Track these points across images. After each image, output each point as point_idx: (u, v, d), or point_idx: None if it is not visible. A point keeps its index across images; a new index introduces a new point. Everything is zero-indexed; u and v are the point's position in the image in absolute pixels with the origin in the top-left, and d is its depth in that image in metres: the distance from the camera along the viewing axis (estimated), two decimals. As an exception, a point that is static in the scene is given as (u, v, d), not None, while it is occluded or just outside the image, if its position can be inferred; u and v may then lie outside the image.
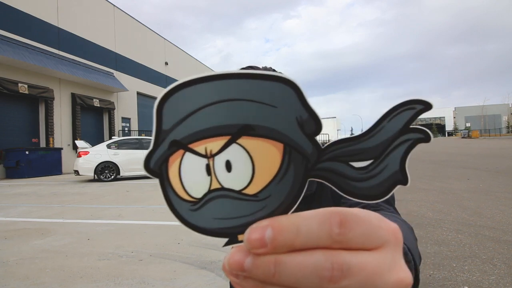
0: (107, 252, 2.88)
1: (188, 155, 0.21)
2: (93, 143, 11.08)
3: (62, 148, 12.71)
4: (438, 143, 31.11)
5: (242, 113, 0.20)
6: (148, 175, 0.22)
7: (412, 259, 0.32)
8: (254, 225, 0.20)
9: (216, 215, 0.21)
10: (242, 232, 0.21)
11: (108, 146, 9.87)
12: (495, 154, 14.12)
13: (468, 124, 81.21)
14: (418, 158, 13.63)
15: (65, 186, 8.36)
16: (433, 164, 10.75)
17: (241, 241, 0.21)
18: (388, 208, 0.70)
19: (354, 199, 0.21)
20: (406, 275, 0.20)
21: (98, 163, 9.41)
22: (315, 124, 0.20)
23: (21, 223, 4.13)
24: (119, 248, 2.97)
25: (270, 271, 0.19)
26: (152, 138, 0.21)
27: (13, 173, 11.04)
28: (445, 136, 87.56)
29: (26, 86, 11.83)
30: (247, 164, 0.20)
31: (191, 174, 0.21)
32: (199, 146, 0.20)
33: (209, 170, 0.21)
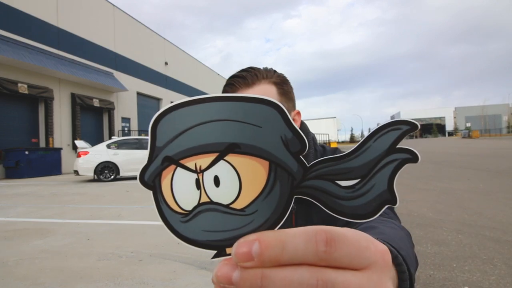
0: (106, 252, 2.87)
1: (179, 170, 0.22)
2: (93, 143, 11.07)
3: (61, 148, 12.70)
4: (438, 143, 31.11)
5: (229, 132, 0.21)
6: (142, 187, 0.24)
7: (406, 269, 0.32)
8: (241, 239, 0.21)
9: (205, 228, 0.22)
10: (230, 246, 0.21)
11: (108, 146, 9.86)
12: (496, 154, 14.12)
13: (468, 124, 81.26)
14: (418, 158, 13.63)
15: (64, 186, 8.35)
16: (433, 164, 10.74)
17: (229, 254, 0.22)
18: (387, 213, 0.69)
19: (341, 218, 0.21)
20: None
21: (97, 163, 9.41)
22: (300, 143, 0.21)
23: (21, 223, 4.13)
24: (119, 248, 2.97)
25: (257, 285, 0.19)
26: (147, 154, 0.23)
27: (12, 173, 11.04)
28: (445, 136, 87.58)
29: (25, 86, 11.83)
30: (234, 180, 0.21)
31: (182, 188, 0.22)
32: (190, 162, 0.22)
33: (198, 184, 0.22)
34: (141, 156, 10.13)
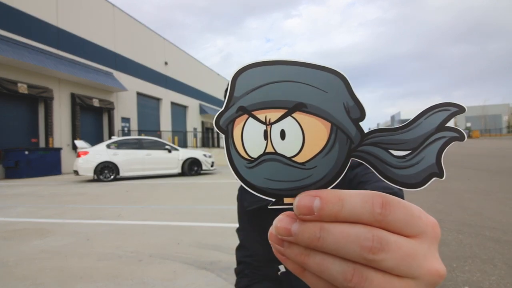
0: (106, 252, 2.87)
1: (251, 120, 0.25)
2: (93, 143, 11.06)
3: (61, 148, 12.69)
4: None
5: (298, 93, 0.23)
6: (216, 130, 0.26)
7: None
8: (303, 193, 0.22)
9: (267, 176, 0.24)
10: (288, 196, 0.24)
11: (108, 146, 9.86)
12: (496, 154, 14.11)
13: (468, 124, 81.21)
14: (418, 158, 13.64)
15: (64, 186, 8.35)
16: (433, 164, 10.74)
17: (286, 204, 0.24)
18: None
19: (392, 185, 0.23)
20: (440, 266, 0.21)
21: (97, 163, 9.40)
22: (360, 111, 0.23)
23: (21, 224, 4.12)
24: (118, 249, 2.96)
25: (316, 235, 0.21)
26: (225, 102, 0.25)
27: (12, 173, 11.03)
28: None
29: (25, 86, 11.82)
30: (299, 135, 0.24)
31: (251, 136, 0.25)
32: (261, 114, 0.24)
33: (266, 135, 0.24)
34: (141, 156, 10.13)
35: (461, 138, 0.22)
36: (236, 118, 0.25)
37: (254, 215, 0.91)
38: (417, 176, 0.22)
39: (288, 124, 0.24)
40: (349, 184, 0.81)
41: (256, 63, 0.24)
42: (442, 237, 3.06)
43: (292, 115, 0.24)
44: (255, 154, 0.25)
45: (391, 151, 0.23)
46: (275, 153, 0.24)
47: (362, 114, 0.23)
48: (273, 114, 0.24)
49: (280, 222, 0.22)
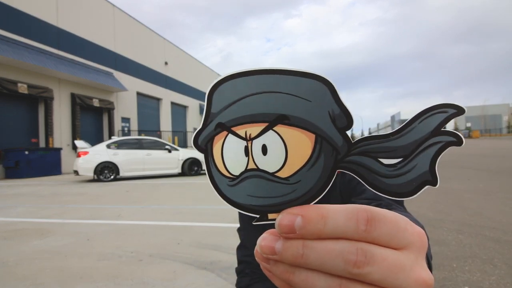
0: (106, 252, 2.87)
1: (230, 136, 0.24)
2: (93, 143, 11.05)
3: (61, 148, 12.69)
4: (438, 143, 31.08)
5: (279, 104, 0.22)
6: (195, 149, 0.25)
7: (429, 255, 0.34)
8: (285, 211, 0.22)
9: (250, 193, 0.24)
10: (272, 211, 0.23)
11: (108, 146, 9.85)
12: (496, 154, 14.12)
13: (468, 124, 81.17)
14: (418, 158, 13.63)
15: (64, 186, 8.35)
16: (433, 164, 10.74)
17: (271, 220, 0.23)
18: (400, 208, 0.70)
19: (381, 195, 0.22)
20: (428, 276, 0.21)
21: (97, 163, 9.40)
22: (347, 119, 0.22)
23: (21, 224, 4.12)
24: (118, 249, 2.96)
25: (299, 252, 0.20)
26: (202, 119, 0.25)
27: (12, 173, 11.03)
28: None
29: (25, 86, 11.82)
30: (281, 149, 0.23)
31: (232, 153, 0.24)
32: (240, 130, 0.23)
33: (247, 151, 0.23)
34: (141, 156, 10.13)
35: (458, 142, 0.21)
36: (215, 135, 0.24)
37: None
38: (408, 185, 0.22)
39: (270, 138, 0.23)
40: (348, 184, 0.81)
41: (231, 75, 0.23)
42: (442, 237, 3.06)
43: (274, 128, 0.23)
44: (236, 172, 0.24)
45: (381, 159, 0.22)
46: (257, 169, 0.23)
47: (349, 122, 0.22)
48: (254, 129, 0.23)
49: (264, 241, 0.22)
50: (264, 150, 0.23)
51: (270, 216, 0.24)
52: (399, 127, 0.22)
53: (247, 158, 0.23)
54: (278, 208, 0.23)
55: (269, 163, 0.23)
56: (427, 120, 0.21)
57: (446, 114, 0.21)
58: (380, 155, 0.22)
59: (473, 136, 48.04)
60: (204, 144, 0.25)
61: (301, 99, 0.22)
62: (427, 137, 0.21)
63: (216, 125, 0.24)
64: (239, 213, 1.00)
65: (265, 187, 0.23)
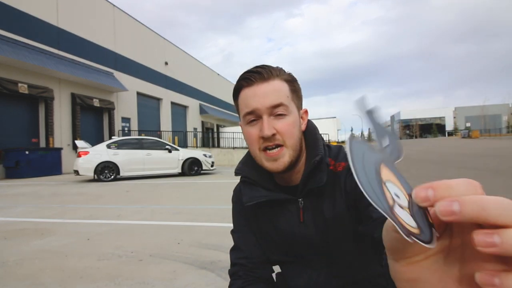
0: (107, 252, 2.87)
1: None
2: (93, 143, 11.05)
3: (62, 148, 12.70)
4: (438, 143, 31.12)
5: None
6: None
7: None
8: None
9: None
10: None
11: (108, 146, 9.86)
12: (495, 154, 14.11)
13: (468, 124, 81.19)
14: (418, 158, 13.63)
15: (64, 186, 8.35)
16: (433, 164, 10.75)
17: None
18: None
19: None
20: None
21: (98, 163, 9.41)
22: None
23: (21, 223, 4.13)
24: (119, 248, 2.97)
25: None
26: None
27: (12, 173, 11.03)
28: (445, 136, 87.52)
29: (26, 86, 11.82)
30: None
31: None
32: None
33: None
34: (141, 156, 10.14)
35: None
36: None
37: (252, 211, 0.90)
38: None
39: None
40: (355, 188, 0.78)
41: None
42: (442, 237, 3.06)
43: None
44: None
45: None
46: None
47: None
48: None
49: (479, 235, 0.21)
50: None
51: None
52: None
53: None
54: None
55: None
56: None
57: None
58: None
59: (473, 136, 48.02)
60: None
61: None
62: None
63: None
64: (233, 215, 0.99)
65: None
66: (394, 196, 0.25)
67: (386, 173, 0.26)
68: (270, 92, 0.76)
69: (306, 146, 0.84)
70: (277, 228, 0.86)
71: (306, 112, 0.87)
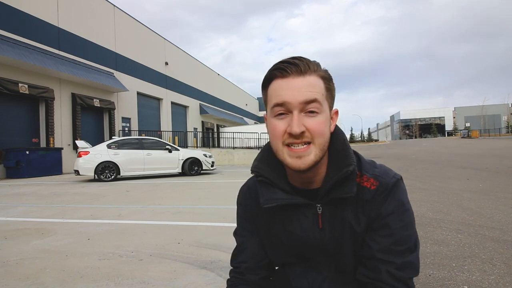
0: (107, 252, 2.88)
1: None
2: (93, 143, 11.07)
3: (62, 148, 12.72)
4: (438, 143, 31.11)
5: None
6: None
7: None
8: None
9: None
10: None
11: (108, 146, 9.88)
12: (495, 154, 14.11)
13: (467, 124, 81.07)
14: (418, 158, 13.64)
15: (65, 186, 8.36)
16: (433, 164, 10.75)
17: None
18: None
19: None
20: None
21: (98, 163, 9.42)
22: None
23: (21, 223, 4.14)
24: (119, 248, 2.97)
25: None
26: None
27: (13, 173, 11.05)
28: (444, 136, 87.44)
29: (26, 86, 11.84)
30: None
31: None
32: None
33: None
34: (141, 156, 10.15)
35: None
36: None
37: (262, 212, 0.88)
38: None
39: None
40: (370, 208, 0.78)
41: None
42: (441, 237, 3.07)
43: None
44: None
45: None
46: None
47: None
48: None
49: None
50: None
51: None
52: None
53: None
54: None
55: None
56: None
57: None
58: None
59: (472, 136, 47.98)
60: None
61: None
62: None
63: None
64: (238, 217, 0.98)
65: None
66: None
67: None
68: (305, 87, 0.72)
69: (332, 150, 0.80)
70: (289, 231, 0.84)
71: (336, 112, 0.83)
